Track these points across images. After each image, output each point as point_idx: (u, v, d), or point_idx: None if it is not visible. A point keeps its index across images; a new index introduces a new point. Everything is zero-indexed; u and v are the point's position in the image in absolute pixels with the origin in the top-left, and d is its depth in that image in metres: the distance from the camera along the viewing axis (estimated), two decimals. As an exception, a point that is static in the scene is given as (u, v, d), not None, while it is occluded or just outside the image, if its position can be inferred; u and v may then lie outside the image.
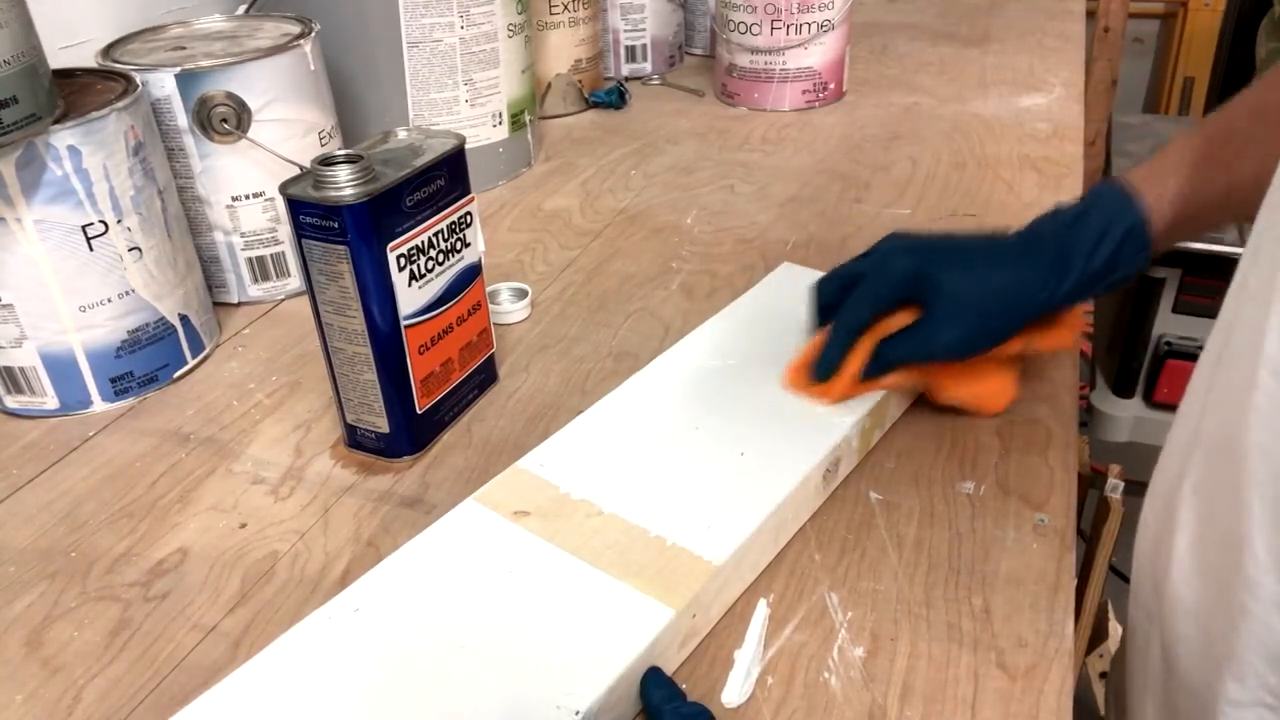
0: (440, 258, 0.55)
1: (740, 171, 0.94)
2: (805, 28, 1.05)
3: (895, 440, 0.56)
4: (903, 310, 0.54)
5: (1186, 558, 0.42)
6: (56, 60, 0.61)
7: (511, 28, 0.88)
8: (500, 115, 0.91)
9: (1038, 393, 0.60)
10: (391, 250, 0.51)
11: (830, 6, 1.04)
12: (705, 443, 0.51)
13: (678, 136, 1.04)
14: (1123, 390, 1.64)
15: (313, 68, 0.72)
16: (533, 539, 0.45)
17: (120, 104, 0.59)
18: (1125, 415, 1.64)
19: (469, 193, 0.57)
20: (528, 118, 0.95)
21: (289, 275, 0.75)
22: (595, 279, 0.76)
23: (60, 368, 0.61)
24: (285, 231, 0.73)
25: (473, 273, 0.59)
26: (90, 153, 0.57)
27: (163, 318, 0.64)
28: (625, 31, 1.19)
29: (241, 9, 0.82)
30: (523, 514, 0.47)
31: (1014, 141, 0.97)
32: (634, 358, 0.65)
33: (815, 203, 0.87)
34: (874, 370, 0.53)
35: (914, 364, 0.54)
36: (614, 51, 1.20)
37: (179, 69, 0.66)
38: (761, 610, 0.45)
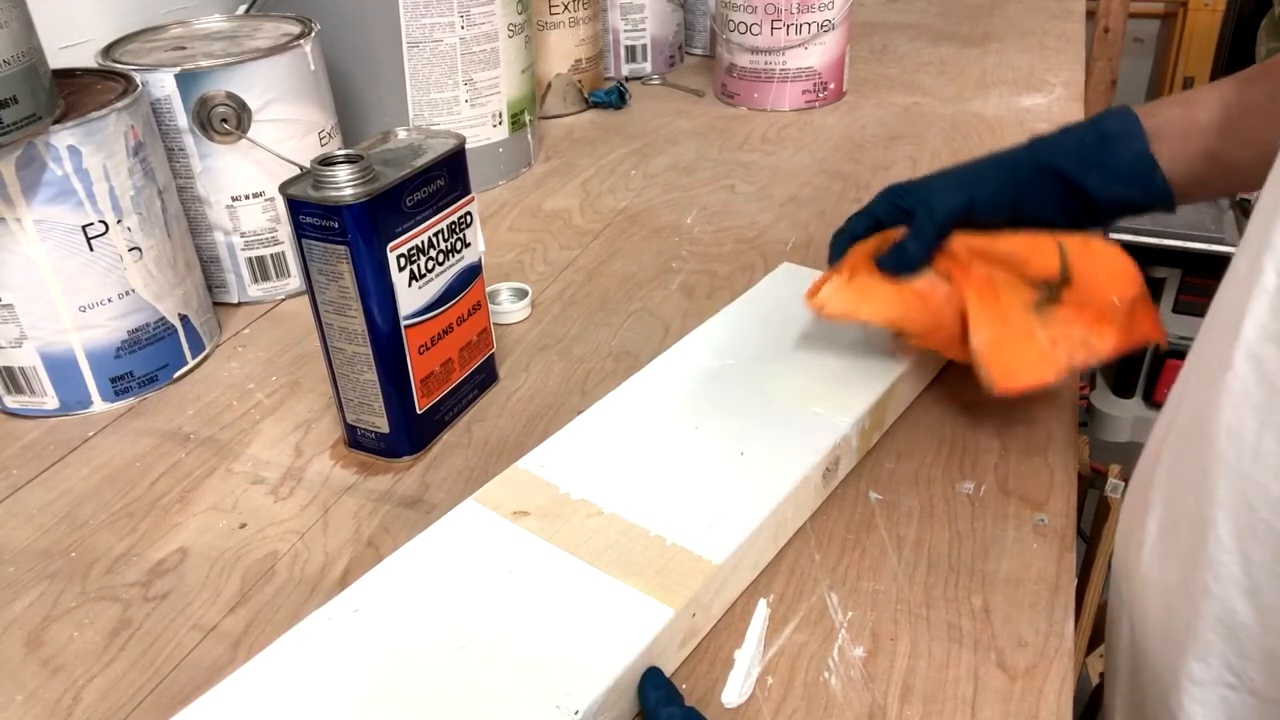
0: (440, 258, 0.55)
1: (740, 171, 0.94)
2: (805, 28, 1.05)
3: (895, 440, 0.56)
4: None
5: (1155, 540, 0.42)
6: (56, 60, 0.61)
7: (511, 28, 0.88)
8: (500, 115, 0.91)
9: (1038, 393, 0.59)
10: (391, 250, 0.51)
11: (830, 6, 1.04)
12: (705, 443, 0.51)
13: (678, 136, 1.04)
14: (1123, 390, 1.64)
15: (313, 68, 0.72)
16: (532, 539, 0.45)
17: (120, 104, 0.59)
18: (1125, 415, 1.65)
19: (469, 193, 0.57)
20: (528, 118, 0.95)
21: (289, 275, 0.75)
22: (595, 279, 0.76)
23: (60, 368, 0.61)
24: (285, 231, 0.73)
25: (473, 273, 0.59)
26: (90, 153, 0.57)
27: (163, 318, 0.64)
28: (625, 31, 1.19)
29: (241, 9, 0.82)
30: (522, 514, 0.47)
31: (1014, 141, 0.96)
32: (634, 358, 0.65)
33: (815, 203, 0.87)
34: (889, 260, 0.54)
35: (924, 242, 0.53)
36: (614, 51, 1.20)
37: (179, 69, 0.66)
38: (761, 610, 0.45)
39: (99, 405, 0.63)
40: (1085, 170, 0.52)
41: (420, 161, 0.53)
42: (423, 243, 0.54)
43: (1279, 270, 0.34)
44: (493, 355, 0.63)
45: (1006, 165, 0.55)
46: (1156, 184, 0.51)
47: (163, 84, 0.66)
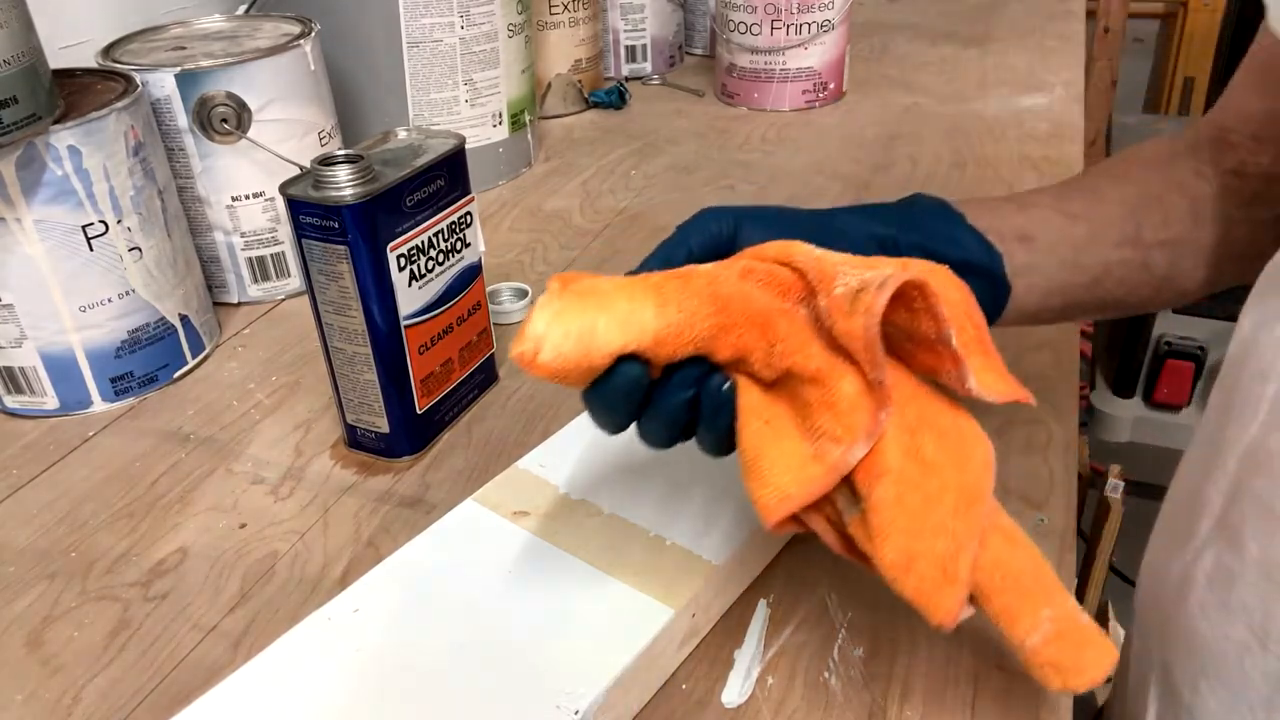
0: (440, 258, 0.55)
1: (740, 171, 0.94)
2: (805, 28, 1.05)
3: (895, 440, 0.56)
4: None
5: (1207, 589, 0.41)
6: (56, 60, 0.61)
7: (511, 28, 0.88)
8: (500, 115, 0.91)
9: (1038, 392, 0.59)
10: (391, 250, 0.51)
11: (830, 6, 1.04)
12: (705, 443, 0.51)
13: (678, 136, 1.04)
14: (1123, 390, 1.64)
15: (313, 68, 0.72)
16: (532, 539, 0.45)
17: (120, 104, 0.59)
18: (1125, 415, 1.65)
19: (469, 193, 0.57)
20: (528, 118, 0.95)
21: (289, 275, 0.75)
22: (595, 279, 0.76)
23: (60, 368, 0.61)
24: (285, 231, 0.73)
25: (473, 273, 0.59)
26: (90, 153, 0.57)
27: (163, 318, 0.64)
28: (625, 31, 1.19)
29: (241, 9, 0.82)
30: (522, 514, 0.47)
31: (1014, 141, 0.97)
32: (634, 358, 0.65)
33: (815, 203, 0.87)
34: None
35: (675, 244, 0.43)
36: (614, 51, 1.20)
37: (179, 69, 0.66)
38: (761, 610, 0.45)
39: (99, 405, 0.63)
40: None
41: (420, 161, 0.53)
42: (423, 243, 0.54)
43: None
44: (493, 355, 0.63)
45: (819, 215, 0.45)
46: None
47: (163, 84, 0.66)
